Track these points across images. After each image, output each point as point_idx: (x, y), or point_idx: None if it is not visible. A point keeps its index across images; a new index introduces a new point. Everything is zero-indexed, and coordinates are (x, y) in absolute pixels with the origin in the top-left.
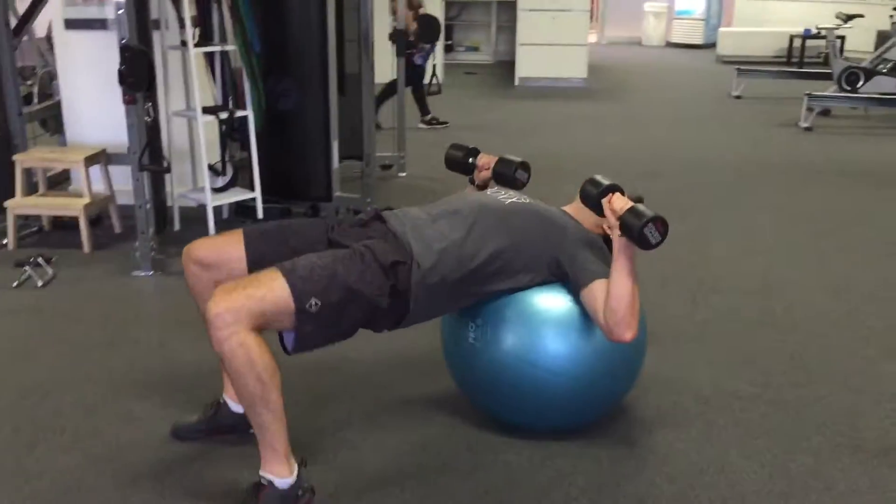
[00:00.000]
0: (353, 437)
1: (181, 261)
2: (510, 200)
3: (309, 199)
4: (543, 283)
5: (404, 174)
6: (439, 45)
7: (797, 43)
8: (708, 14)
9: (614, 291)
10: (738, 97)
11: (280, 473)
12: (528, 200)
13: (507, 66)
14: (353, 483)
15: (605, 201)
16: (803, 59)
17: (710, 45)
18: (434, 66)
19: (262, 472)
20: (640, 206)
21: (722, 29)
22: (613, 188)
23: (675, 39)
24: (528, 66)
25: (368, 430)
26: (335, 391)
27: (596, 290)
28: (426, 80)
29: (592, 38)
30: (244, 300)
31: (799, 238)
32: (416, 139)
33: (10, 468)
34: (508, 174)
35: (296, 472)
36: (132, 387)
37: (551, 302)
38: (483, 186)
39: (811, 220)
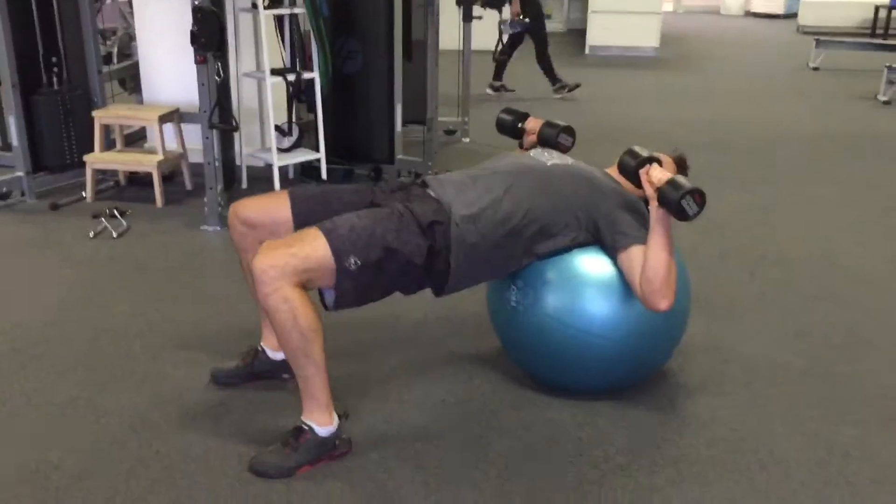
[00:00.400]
0: (399, 390)
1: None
2: (552, 162)
3: (371, 161)
4: (585, 244)
5: (467, 139)
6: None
7: (882, 14)
8: None
9: (651, 262)
10: (815, 69)
11: (321, 421)
12: (570, 162)
13: (578, 34)
14: (397, 433)
15: (642, 172)
16: (888, 30)
17: (792, 15)
18: (501, 32)
19: (303, 418)
20: (679, 178)
21: None
22: (651, 159)
23: (754, 9)
24: (599, 34)
25: (414, 384)
26: (384, 346)
27: (633, 256)
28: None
29: (668, 7)
30: (288, 258)
31: (867, 213)
32: (481, 105)
33: (83, 405)
34: (552, 138)
35: (336, 422)
36: (196, 333)
37: (593, 264)
38: (529, 150)
39: (881, 194)
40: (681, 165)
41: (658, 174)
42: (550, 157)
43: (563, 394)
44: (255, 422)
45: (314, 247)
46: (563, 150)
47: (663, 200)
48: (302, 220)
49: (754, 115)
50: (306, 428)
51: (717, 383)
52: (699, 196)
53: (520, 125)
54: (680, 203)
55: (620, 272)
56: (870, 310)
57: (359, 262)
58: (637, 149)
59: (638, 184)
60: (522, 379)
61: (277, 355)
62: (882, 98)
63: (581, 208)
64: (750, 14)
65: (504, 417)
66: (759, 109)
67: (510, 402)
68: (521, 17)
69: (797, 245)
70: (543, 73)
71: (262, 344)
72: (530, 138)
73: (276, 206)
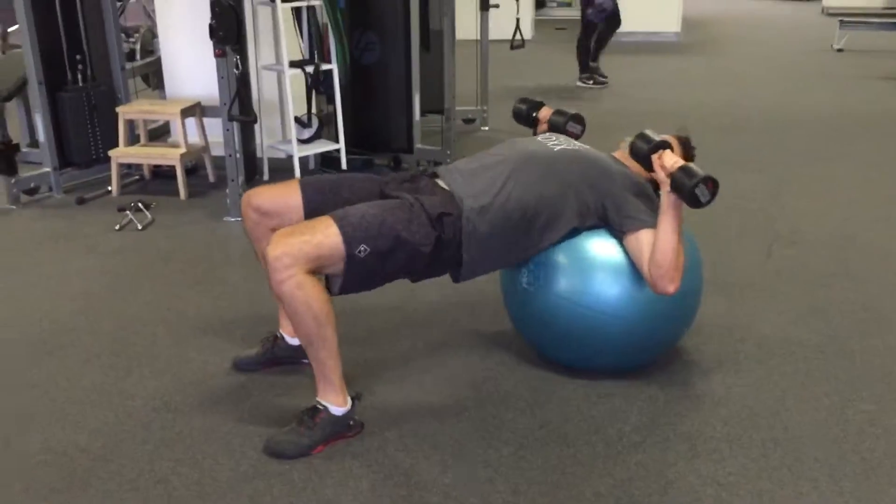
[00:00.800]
0: (416, 370)
1: None
2: (559, 147)
3: (391, 151)
4: (594, 227)
5: (486, 128)
6: (529, 1)
7: None
8: None
9: (660, 245)
10: (839, 50)
11: (335, 402)
12: (577, 146)
13: None
14: (414, 413)
15: (655, 157)
16: None
17: None
18: (518, 20)
19: (318, 398)
20: (692, 165)
21: None
22: (664, 145)
23: None
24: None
25: (432, 363)
26: (400, 329)
27: (642, 239)
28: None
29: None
30: (301, 245)
31: (885, 192)
32: (499, 94)
33: (109, 389)
34: (561, 126)
35: (349, 404)
36: (219, 321)
37: (603, 245)
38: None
39: None
40: (686, 146)
41: (670, 160)
42: (558, 143)
43: (577, 373)
44: (275, 404)
45: (326, 234)
46: (573, 137)
47: (676, 187)
48: (312, 208)
49: (776, 97)
50: (321, 408)
51: (732, 361)
52: (712, 184)
53: (534, 114)
54: (693, 191)
55: (628, 254)
56: (886, 287)
57: (368, 249)
58: (649, 133)
59: (650, 168)
60: (536, 359)
61: (295, 341)
62: None
63: (589, 192)
64: None
65: (518, 396)
66: (780, 91)
67: (524, 381)
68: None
69: (814, 224)
70: (577, 57)
71: (280, 330)
72: (542, 127)
73: (287, 195)
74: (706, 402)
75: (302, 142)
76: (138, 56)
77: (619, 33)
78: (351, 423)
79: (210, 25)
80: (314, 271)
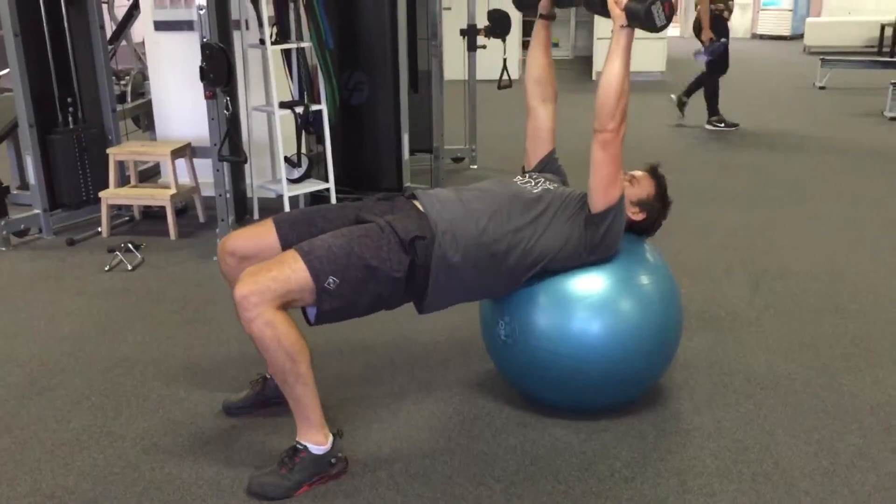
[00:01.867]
0: (407, 408)
1: None
2: (540, 189)
3: (380, 190)
4: (567, 270)
5: (475, 167)
6: (516, 41)
7: (888, 32)
8: (796, 4)
9: (604, 78)
10: (822, 88)
11: (315, 441)
12: (556, 187)
13: (585, 60)
14: (406, 451)
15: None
16: (895, 48)
17: (798, 37)
18: (504, 60)
19: (298, 438)
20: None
21: (809, 19)
22: None
23: (761, 31)
24: None
25: (422, 401)
26: (392, 366)
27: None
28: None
29: (675, 32)
30: (269, 282)
31: (872, 227)
32: (487, 133)
33: (98, 430)
34: None
35: (330, 442)
36: (209, 361)
37: (578, 289)
38: (548, 15)
39: (886, 208)
40: (655, 175)
41: None
42: (538, 185)
43: (567, 410)
44: (265, 445)
45: (293, 269)
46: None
47: (632, 16)
48: (289, 243)
49: (761, 134)
50: (301, 447)
51: (721, 395)
52: (668, 6)
53: None
54: (649, 10)
55: (608, 293)
56: (874, 322)
57: (337, 280)
58: None
59: (605, 12)
60: (526, 398)
61: None
62: (888, 114)
63: (566, 233)
64: (756, 36)
65: (510, 435)
66: (765, 128)
67: (515, 419)
68: (714, 40)
69: (802, 259)
70: (705, 100)
71: (268, 371)
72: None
73: (262, 235)
74: (696, 437)
75: (292, 182)
76: (129, 98)
77: (600, 73)
78: (333, 460)
79: (201, 68)
80: (284, 306)
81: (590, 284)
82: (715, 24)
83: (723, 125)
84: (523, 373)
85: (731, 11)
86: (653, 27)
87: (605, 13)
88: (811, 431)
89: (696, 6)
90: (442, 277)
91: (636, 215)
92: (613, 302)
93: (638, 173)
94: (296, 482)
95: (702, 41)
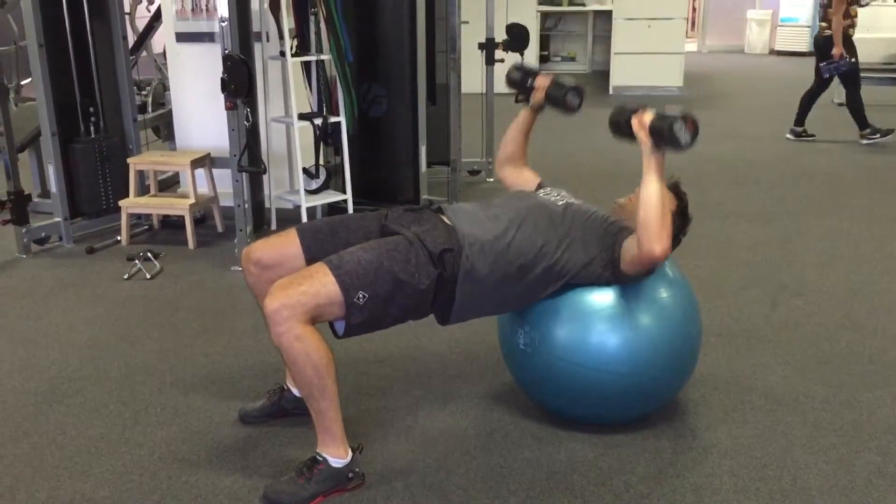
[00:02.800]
0: (423, 420)
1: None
2: (564, 202)
3: (397, 201)
4: (590, 284)
5: (491, 179)
6: (533, 56)
7: None
8: (814, 21)
9: (644, 204)
10: (840, 104)
11: (335, 454)
12: (578, 202)
13: (602, 75)
14: (421, 463)
15: (634, 119)
16: None
17: None
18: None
19: (318, 450)
20: (666, 111)
21: None
22: (641, 107)
23: (779, 47)
24: (623, 74)
25: (438, 415)
26: (408, 379)
27: (630, 240)
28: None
29: (692, 47)
30: (299, 296)
31: (890, 244)
32: None
33: (116, 437)
34: (559, 97)
35: (350, 456)
36: (226, 370)
37: (598, 302)
38: (536, 108)
39: None
40: (676, 192)
41: (648, 116)
42: (562, 198)
43: (583, 423)
44: (282, 454)
45: (323, 283)
46: (570, 109)
47: (656, 135)
48: (312, 254)
49: (779, 151)
50: (321, 459)
51: (739, 412)
52: (691, 123)
53: (529, 82)
54: (672, 130)
55: (628, 304)
56: (892, 339)
57: (367, 295)
58: (623, 105)
59: (631, 136)
60: (542, 410)
61: None
62: None
63: (590, 248)
64: (774, 52)
65: (525, 447)
66: (784, 145)
67: (531, 432)
68: (845, 57)
69: (819, 276)
70: (851, 116)
71: (286, 382)
72: (538, 95)
73: (285, 244)
74: (713, 453)
75: (310, 192)
76: (149, 108)
77: (620, 87)
78: (350, 475)
79: (222, 79)
80: (313, 320)
81: (610, 297)
82: (846, 43)
83: (878, 136)
84: (541, 383)
85: (855, 28)
86: (678, 146)
87: (630, 136)
88: (829, 449)
89: (820, 23)
90: (468, 289)
91: None
92: (633, 315)
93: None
94: (312, 493)
95: (831, 56)
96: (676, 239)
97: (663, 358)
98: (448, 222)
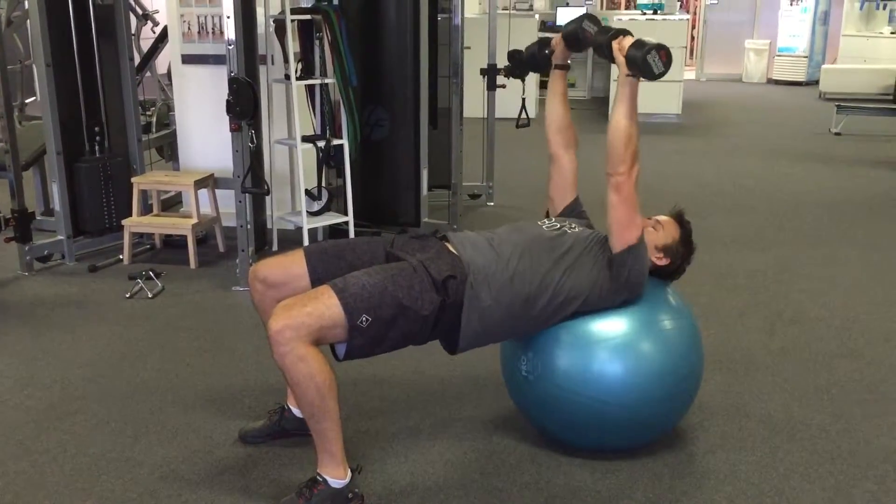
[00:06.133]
0: (422, 443)
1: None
2: (561, 230)
3: (398, 224)
4: (593, 312)
5: (492, 203)
6: (534, 81)
7: None
8: (811, 51)
9: (612, 124)
10: (837, 134)
11: (335, 474)
12: (579, 230)
13: (601, 101)
14: (420, 484)
15: (615, 42)
16: None
17: (814, 83)
18: (523, 99)
19: (318, 470)
20: (644, 38)
21: (825, 66)
22: (623, 31)
23: (776, 76)
24: None
25: (438, 437)
26: (408, 402)
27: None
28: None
29: (690, 75)
30: (303, 318)
31: (887, 275)
32: (504, 170)
33: (116, 456)
34: (575, 31)
35: (349, 476)
36: (227, 390)
37: (600, 331)
38: (564, 65)
39: None
40: (680, 221)
41: (627, 41)
42: (561, 228)
43: (583, 449)
44: (281, 475)
45: (327, 305)
46: (588, 38)
47: (630, 61)
48: (318, 276)
49: (776, 179)
50: (321, 480)
51: (737, 439)
52: (665, 53)
53: (546, 51)
54: (646, 59)
55: (631, 335)
56: (889, 368)
57: (370, 318)
58: (607, 25)
59: (611, 57)
60: (543, 436)
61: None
62: None
63: (591, 274)
64: (772, 81)
65: (525, 471)
66: (781, 174)
67: (530, 457)
68: None
69: (817, 304)
70: None
71: (287, 402)
72: (559, 48)
73: (292, 264)
74: (711, 480)
75: (311, 214)
76: (154, 129)
77: None
78: (350, 496)
79: (228, 101)
80: (316, 342)
81: (613, 326)
82: None
83: None
84: (542, 412)
85: None
86: (651, 74)
87: (610, 56)
88: (826, 477)
89: None
90: (475, 320)
91: (660, 260)
92: (637, 345)
93: (663, 218)
94: None
95: None
96: (680, 269)
97: (665, 388)
98: (453, 250)
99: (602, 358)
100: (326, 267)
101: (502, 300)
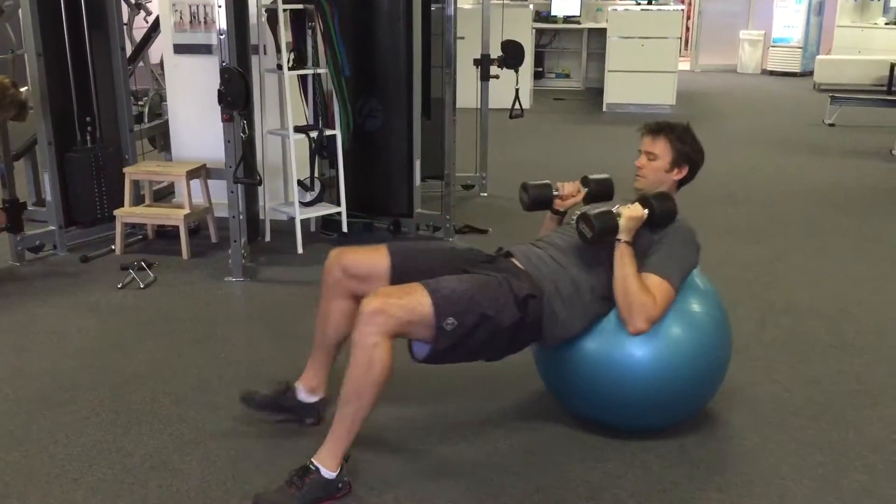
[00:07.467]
0: (414, 432)
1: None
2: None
3: (391, 215)
4: None
5: (485, 194)
6: (528, 72)
7: None
8: (806, 42)
9: (615, 288)
10: (831, 125)
11: (329, 466)
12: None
13: (596, 92)
14: (412, 472)
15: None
16: None
17: (808, 73)
18: (517, 90)
19: (313, 459)
20: (587, 211)
21: (819, 57)
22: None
23: (771, 67)
24: (617, 92)
25: (430, 426)
26: (400, 391)
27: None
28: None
29: (685, 66)
30: (397, 309)
31: (879, 266)
32: (498, 161)
33: (108, 446)
34: (602, 191)
35: (341, 467)
36: (218, 380)
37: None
38: (563, 214)
39: (893, 246)
40: (657, 133)
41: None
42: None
43: (573, 439)
44: (274, 465)
45: (420, 302)
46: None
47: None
48: (398, 275)
49: (769, 170)
50: (313, 469)
51: (727, 429)
52: (588, 222)
53: (555, 192)
54: (578, 230)
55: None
56: (879, 358)
57: (455, 323)
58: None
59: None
60: (532, 423)
61: (308, 398)
62: None
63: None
64: (766, 72)
65: (514, 460)
66: (774, 164)
67: (520, 445)
68: None
69: (808, 295)
70: None
71: (297, 383)
72: (570, 201)
73: (377, 260)
74: (701, 470)
75: (304, 204)
76: (146, 119)
77: (614, 104)
78: (340, 485)
79: (220, 91)
80: (399, 335)
81: None
82: None
83: None
84: (570, 383)
85: None
86: (586, 240)
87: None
88: (816, 467)
89: None
90: (558, 331)
91: (679, 174)
92: (667, 327)
93: (643, 159)
94: (302, 503)
95: None
96: (699, 164)
97: (694, 369)
98: (520, 266)
99: (634, 340)
100: (408, 269)
101: (574, 308)
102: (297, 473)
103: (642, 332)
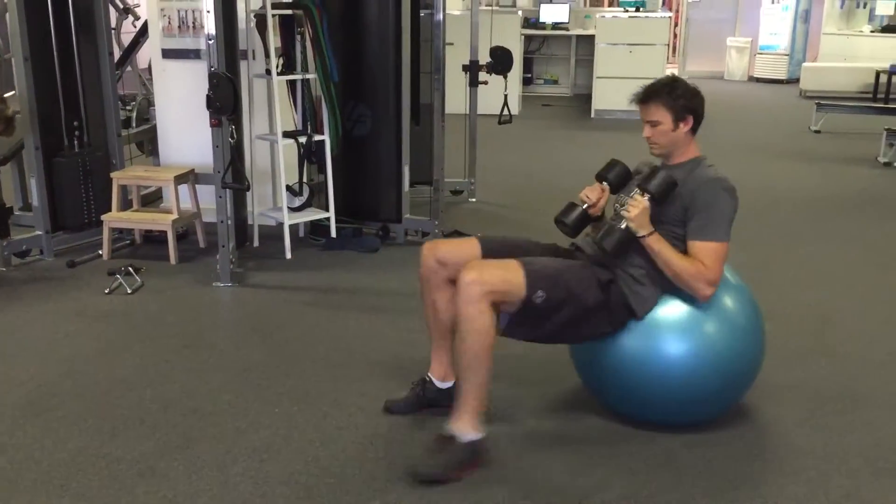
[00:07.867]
0: (411, 433)
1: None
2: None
3: (379, 220)
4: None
5: (474, 199)
6: (516, 78)
7: (883, 79)
8: (792, 49)
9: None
10: (817, 132)
11: (469, 430)
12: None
13: (584, 98)
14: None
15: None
16: (889, 95)
17: (794, 81)
18: (506, 96)
19: (452, 427)
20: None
21: (805, 64)
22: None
23: (758, 74)
24: (605, 98)
25: (424, 425)
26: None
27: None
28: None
29: (672, 72)
30: (492, 278)
31: (864, 272)
32: (486, 167)
33: (94, 451)
34: (621, 176)
35: (482, 433)
36: (206, 385)
37: (662, 314)
38: (602, 215)
39: (879, 254)
40: (649, 99)
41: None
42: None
43: (562, 445)
44: (260, 470)
45: (515, 273)
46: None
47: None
48: (490, 258)
49: (755, 176)
50: (456, 436)
51: (712, 434)
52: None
53: (585, 206)
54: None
55: (697, 314)
56: (862, 365)
57: (544, 296)
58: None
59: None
60: (522, 429)
61: (444, 384)
62: (882, 159)
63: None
64: (753, 79)
65: (503, 465)
66: (759, 170)
67: (509, 450)
68: None
69: (792, 301)
70: None
71: (429, 374)
72: (600, 204)
73: (468, 247)
74: (687, 475)
75: (293, 210)
76: (133, 123)
77: (602, 110)
78: (481, 448)
79: (208, 96)
80: (495, 304)
81: (675, 309)
82: None
83: None
84: (608, 378)
85: None
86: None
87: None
88: (801, 472)
89: None
90: (649, 306)
91: (686, 126)
92: (699, 321)
93: (647, 129)
94: (449, 466)
95: None
96: (702, 109)
97: (729, 364)
98: (593, 258)
99: (672, 331)
100: (496, 253)
101: (649, 286)
102: (442, 441)
103: (709, 296)
